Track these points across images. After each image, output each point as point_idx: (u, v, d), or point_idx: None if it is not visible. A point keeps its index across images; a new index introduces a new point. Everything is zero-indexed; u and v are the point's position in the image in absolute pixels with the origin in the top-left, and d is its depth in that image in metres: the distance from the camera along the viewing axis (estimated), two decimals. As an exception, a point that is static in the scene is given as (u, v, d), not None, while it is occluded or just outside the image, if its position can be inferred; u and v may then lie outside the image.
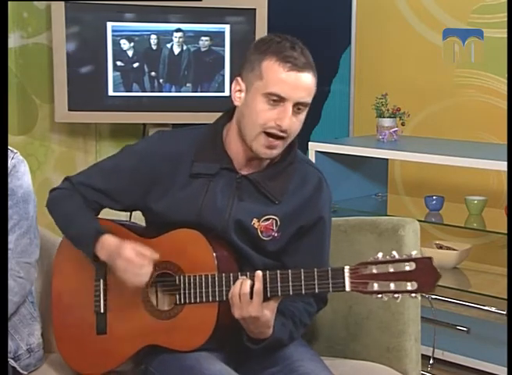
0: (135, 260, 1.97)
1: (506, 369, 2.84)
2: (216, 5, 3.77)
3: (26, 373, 2.19)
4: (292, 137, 2.00)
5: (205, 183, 2.04)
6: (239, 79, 2.01)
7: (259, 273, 1.90)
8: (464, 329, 3.49)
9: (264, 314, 1.90)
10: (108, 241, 2.03)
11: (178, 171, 2.06)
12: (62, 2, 3.66)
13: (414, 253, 1.81)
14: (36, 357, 2.22)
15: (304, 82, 1.94)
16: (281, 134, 1.96)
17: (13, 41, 3.79)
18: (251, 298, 1.90)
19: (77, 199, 2.13)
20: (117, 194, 2.12)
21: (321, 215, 2.08)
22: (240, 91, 2.00)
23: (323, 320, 2.33)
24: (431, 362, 3.34)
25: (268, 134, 1.96)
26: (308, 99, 1.97)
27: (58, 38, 3.68)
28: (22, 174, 2.19)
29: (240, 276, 1.94)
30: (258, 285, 1.89)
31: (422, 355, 2.38)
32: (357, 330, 2.31)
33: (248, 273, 1.93)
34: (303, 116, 1.99)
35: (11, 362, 2.15)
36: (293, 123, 1.96)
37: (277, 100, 1.94)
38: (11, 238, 2.14)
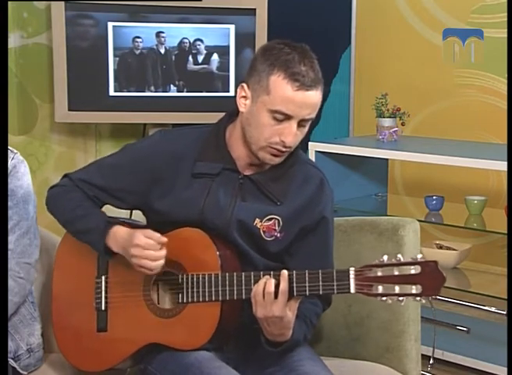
0: (148, 243, 1.95)
1: (506, 369, 2.84)
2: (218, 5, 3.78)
3: (26, 373, 2.19)
4: (294, 147, 2.02)
5: (207, 183, 2.04)
6: (244, 86, 2.00)
7: (285, 272, 1.89)
8: (464, 329, 3.50)
9: (287, 314, 1.89)
10: (120, 232, 2.03)
11: (180, 170, 2.05)
12: (62, 2, 3.66)
13: (420, 256, 1.81)
14: (36, 357, 2.22)
15: (311, 100, 1.94)
16: (284, 150, 1.98)
17: (13, 41, 3.79)
18: (276, 297, 1.88)
19: (79, 193, 2.12)
20: (118, 192, 2.11)
21: (323, 215, 2.09)
22: (245, 97, 2.00)
23: (323, 320, 2.33)
24: (431, 362, 3.34)
25: (273, 148, 1.98)
26: (313, 115, 1.97)
27: (58, 38, 3.68)
28: (22, 174, 2.19)
29: (243, 276, 1.94)
30: (284, 285, 1.87)
31: (422, 355, 2.38)
32: (357, 329, 2.31)
33: (272, 272, 1.92)
34: (306, 128, 2.00)
35: (11, 362, 2.15)
36: (297, 136, 1.98)
37: (282, 117, 1.94)
38: (11, 239, 2.14)
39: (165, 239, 1.97)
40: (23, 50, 3.84)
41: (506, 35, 3.88)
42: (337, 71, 4.39)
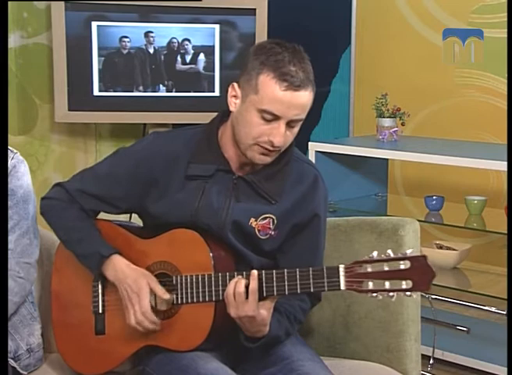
0: (147, 313, 2.00)
1: (506, 369, 2.84)
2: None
3: (26, 373, 2.19)
4: (285, 148, 2.01)
5: (201, 185, 2.04)
6: (235, 85, 2.00)
7: (254, 272, 1.90)
8: (464, 329, 3.49)
9: (259, 313, 1.90)
10: (119, 265, 2.04)
11: (174, 172, 2.05)
12: (62, 2, 3.66)
13: (409, 251, 1.81)
14: (36, 357, 2.22)
15: (300, 101, 1.93)
16: (272, 149, 1.97)
17: (13, 41, 3.79)
18: (247, 297, 1.90)
19: (74, 210, 2.11)
20: (114, 200, 2.11)
21: (316, 212, 2.09)
22: (235, 96, 2.00)
23: (322, 320, 2.33)
24: (431, 362, 3.34)
25: (261, 146, 1.97)
26: (302, 115, 1.96)
27: (58, 38, 3.68)
28: (22, 174, 2.19)
29: (235, 276, 1.94)
30: (254, 284, 1.89)
31: (422, 355, 2.38)
32: (357, 329, 2.31)
33: (244, 273, 1.94)
34: (297, 128, 1.99)
35: (11, 362, 2.15)
36: (286, 136, 1.97)
37: (271, 117, 1.93)
38: (11, 238, 2.14)
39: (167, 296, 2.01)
40: (23, 50, 3.84)
41: (506, 35, 3.88)
42: (337, 71, 4.39)
